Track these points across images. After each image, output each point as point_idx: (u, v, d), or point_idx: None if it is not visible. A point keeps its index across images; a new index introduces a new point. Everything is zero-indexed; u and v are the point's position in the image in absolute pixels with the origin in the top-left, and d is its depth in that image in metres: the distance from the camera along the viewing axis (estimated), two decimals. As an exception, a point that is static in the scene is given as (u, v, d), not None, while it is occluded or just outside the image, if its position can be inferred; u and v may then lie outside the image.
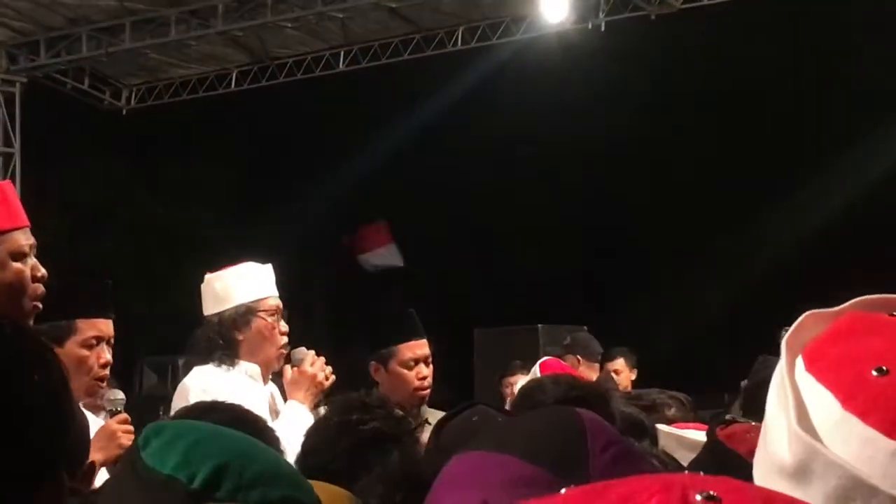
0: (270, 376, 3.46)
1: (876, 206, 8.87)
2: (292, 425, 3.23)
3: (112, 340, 3.18)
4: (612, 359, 5.57)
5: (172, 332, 4.34)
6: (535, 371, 3.74)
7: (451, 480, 1.03)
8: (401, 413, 2.32)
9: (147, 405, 3.68)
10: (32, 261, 2.69)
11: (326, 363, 3.39)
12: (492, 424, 1.78)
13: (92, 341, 3.10)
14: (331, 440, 2.29)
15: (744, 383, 4.21)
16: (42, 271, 2.69)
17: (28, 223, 2.76)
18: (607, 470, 0.96)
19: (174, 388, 3.88)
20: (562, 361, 4.30)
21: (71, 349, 3.03)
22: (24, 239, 2.71)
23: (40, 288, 2.69)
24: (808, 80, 9.84)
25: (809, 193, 9.01)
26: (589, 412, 1.10)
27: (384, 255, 9.28)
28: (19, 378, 1.09)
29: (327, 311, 7.48)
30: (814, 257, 7.77)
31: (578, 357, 5.42)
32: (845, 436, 0.69)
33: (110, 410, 3.08)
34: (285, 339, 3.42)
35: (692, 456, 2.12)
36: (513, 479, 0.97)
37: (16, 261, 2.65)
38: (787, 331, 0.74)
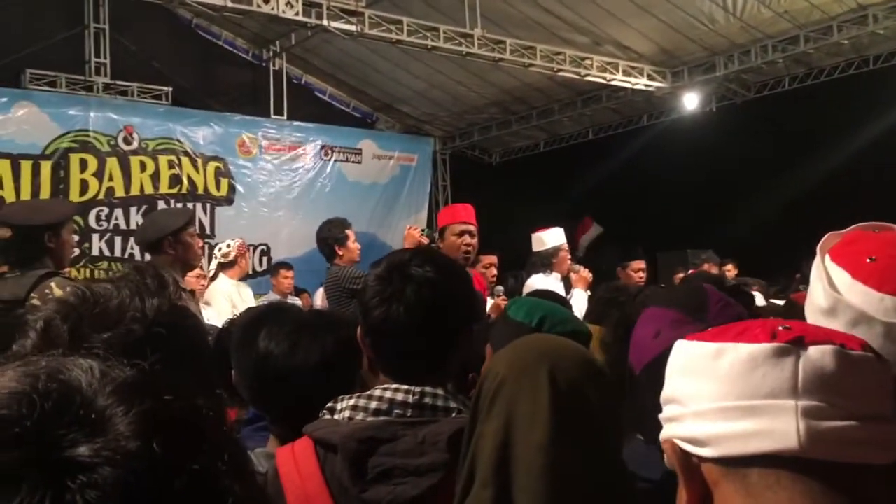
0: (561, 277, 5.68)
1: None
2: (578, 301, 5.19)
3: (497, 264, 5.54)
4: (722, 264, 8.24)
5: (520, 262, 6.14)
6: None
7: (643, 320, 1.52)
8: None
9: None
10: (465, 238, 4.22)
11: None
12: (661, 292, 2.40)
13: (487, 264, 5.33)
14: (601, 304, 3.18)
15: (798, 275, 6.04)
16: (469, 242, 4.21)
17: (464, 219, 4.25)
18: (720, 314, 1.41)
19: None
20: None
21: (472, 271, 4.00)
22: (460, 227, 4.25)
23: (465, 249, 4.21)
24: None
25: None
26: (709, 285, 1.61)
27: (589, 236, 11.14)
28: (465, 276, 1.56)
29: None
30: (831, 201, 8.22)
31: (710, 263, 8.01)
32: (853, 292, 1.04)
33: (493, 294, 5.03)
34: (569, 262, 5.71)
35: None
36: (670, 320, 1.44)
37: (457, 236, 4.23)
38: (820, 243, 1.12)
